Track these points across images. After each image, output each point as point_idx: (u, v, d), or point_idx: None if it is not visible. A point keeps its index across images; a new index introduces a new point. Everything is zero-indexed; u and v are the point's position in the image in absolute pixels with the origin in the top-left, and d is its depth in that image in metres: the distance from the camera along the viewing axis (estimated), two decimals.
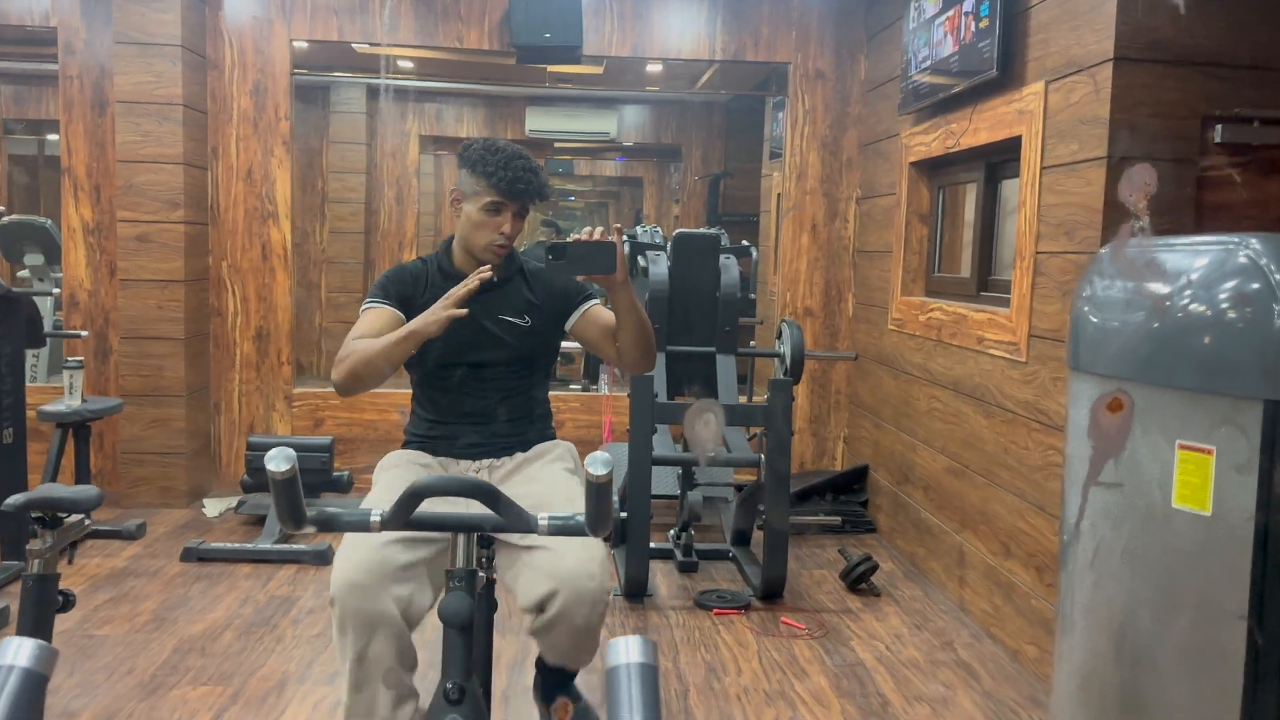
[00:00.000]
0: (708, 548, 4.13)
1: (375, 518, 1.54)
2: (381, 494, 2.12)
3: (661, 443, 3.75)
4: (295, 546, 3.93)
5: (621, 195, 9.98)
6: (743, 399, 4.32)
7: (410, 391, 2.42)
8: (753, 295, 6.09)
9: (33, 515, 1.95)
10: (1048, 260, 3.02)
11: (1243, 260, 1.74)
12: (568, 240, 2.08)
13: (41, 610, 1.92)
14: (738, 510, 4.15)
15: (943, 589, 3.79)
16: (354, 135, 7.52)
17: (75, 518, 2.00)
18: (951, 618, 3.55)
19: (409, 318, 2.23)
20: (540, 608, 2.05)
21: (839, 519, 4.58)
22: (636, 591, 3.61)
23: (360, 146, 7.53)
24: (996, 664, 3.17)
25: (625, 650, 1.35)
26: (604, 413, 4.91)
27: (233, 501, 4.56)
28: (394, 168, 7.66)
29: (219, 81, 4.75)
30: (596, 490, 1.47)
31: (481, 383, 2.30)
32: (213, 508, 4.57)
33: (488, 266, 2.10)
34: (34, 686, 1.34)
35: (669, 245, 4.10)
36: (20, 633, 1.86)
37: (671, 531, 4.17)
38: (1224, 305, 1.76)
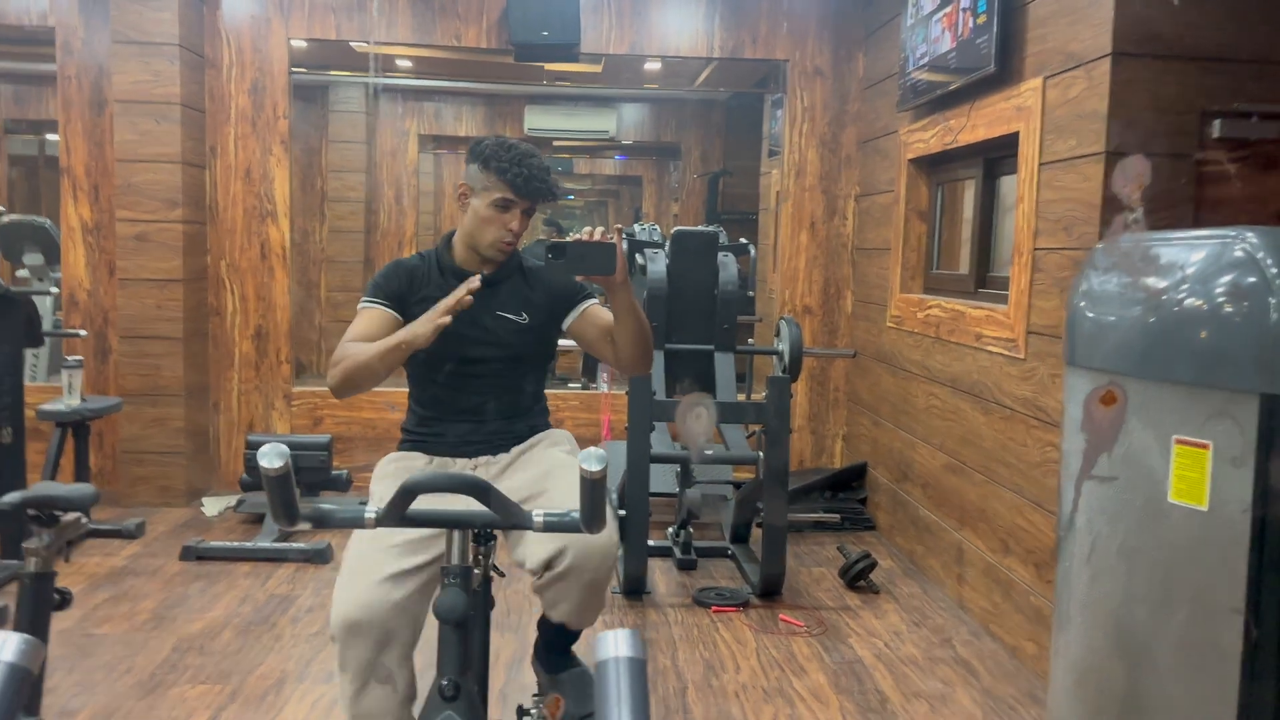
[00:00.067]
0: (706, 545, 4.13)
1: (370, 515, 1.54)
2: (378, 505, 2.12)
3: (660, 440, 3.75)
4: (294, 545, 3.93)
5: (621, 194, 9.97)
6: (741, 397, 4.32)
7: (406, 389, 2.42)
8: (751, 293, 6.09)
9: (29, 514, 1.95)
10: (1046, 256, 3.02)
11: (1239, 254, 1.74)
12: (568, 240, 2.08)
13: (38, 609, 1.92)
14: (736, 508, 4.15)
15: (941, 586, 3.79)
16: (353, 134, 7.51)
17: (72, 516, 1.99)
18: (950, 615, 3.55)
19: (404, 315, 2.24)
20: (549, 564, 2.06)
21: (838, 516, 4.58)
22: (635, 589, 3.61)
23: (360, 145, 7.53)
24: (995, 661, 3.16)
25: (614, 644, 1.35)
26: (602, 411, 4.91)
27: (232, 500, 4.56)
28: (393, 166, 7.66)
29: (217, 80, 4.75)
30: (591, 486, 1.46)
31: (477, 379, 2.30)
32: (212, 506, 4.57)
33: (478, 276, 2.10)
34: (18, 681, 1.34)
35: (667, 243, 4.10)
36: (17, 631, 1.86)
37: (670, 529, 4.17)
38: (1220, 299, 1.76)
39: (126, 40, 4.45)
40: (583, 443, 2.07)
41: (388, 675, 2.03)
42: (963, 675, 3.06)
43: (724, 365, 4.08)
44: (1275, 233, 1.74)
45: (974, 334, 3.50)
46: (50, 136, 6.26)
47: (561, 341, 2.44)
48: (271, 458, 1.38)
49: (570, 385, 6.63)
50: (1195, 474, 1.76)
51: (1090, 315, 2.07)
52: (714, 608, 3.53)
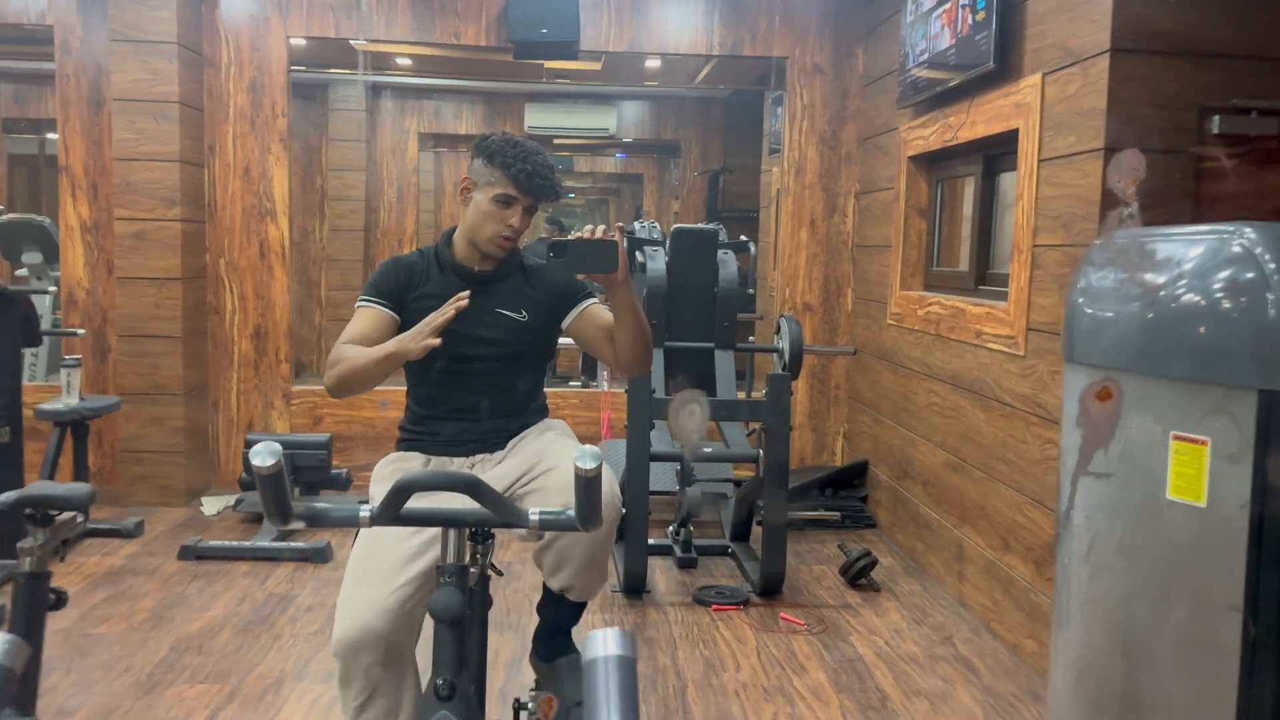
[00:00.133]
0: (706, 543, 4.12)
1: (364, 513, 1.53)
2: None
3: (660, 439, 3.74)
4: (293, 544, 3.92)
5: (621, 191, 9.97)
6: (742, 394, 4.31)
7: (403, 387, 2.41)
8: (752, 290, 6.08)
9: (25, 513, 1.95)
10: (1045, 253, 3.01)
11: (1236, 249, 1.73)
12: (569, 238, 2.07)
13: (33, 609, 1.91)
14: (736, 506, 4.14)
15: (942, 584, 3.78)
16: (353, 132, 7.51)
17: (67, 515, 1.99)
18: (951, 612, 3.54)
19: (402, 313, 2.24)
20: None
21: (838, 514, 4.58)
22: (635, 587, 3.61)
23: (360, 144, 7.53)
24: (996, 658, 3.16)
25: (603, 643, 1.35)
26: (602, 409, 4.90)
27: (231, 499, 4.56)
28: (393, 165, 7.65)
29: (215, 79, 4.75)
30: (586, 484, 1.46)
31: (475, 377, 2.29)
32: (211, 506, 4.57)
33: (466, 293, 2.10)
34: (0, 680, 1.33)
35: (667, 241, 4.10)
36: (12, 631, 1.85)
37: (670, 528, 4.17)
38: (1218, 295, 1.75)
39: (125, 39, 4.45)
40: (582, 441, 2.07)
41: (392, 687, 2.03)
42: (963, 673, 3.06)
43: (724, 363, 4.08)
44: (1273, 228, 1.73)
45: (974, 331, 3.49)
46: (51, 136, 6.27)
47: (562, 340, 2.43)
48: (264, 456, 1.37)
49: (570, 383, 6.63)
50: (1193, 470, 1.75)
51: (1088, 311, 2.06)
52: (714, 606, 3.52)
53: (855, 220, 4.98)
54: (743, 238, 5.59)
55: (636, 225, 5.05)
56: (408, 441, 2.35)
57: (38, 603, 1.92)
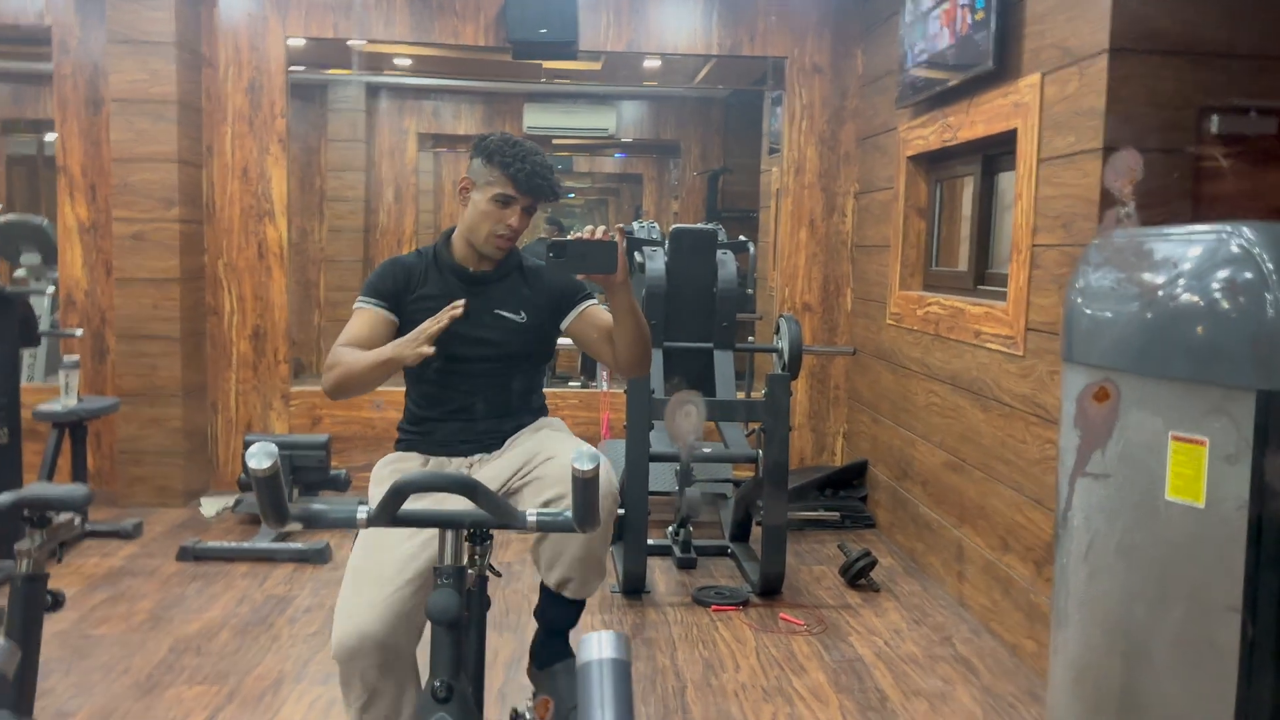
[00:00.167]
0: (706, 544, 4.12)
1: (361, 515, 1.53)
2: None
3: (659, 439, 3.74)
4: (292, 545, 3.92)
5: (621, 191, 9.97)
6: (741, 395, 4.31)
7: (402, 387, 2.41)
8: (751, 290, 6.08)
9: (22, 514, 1.94)
10: (1044, 253, 3.00)
11: (1235, 249, 1.73)
12: (569, 238, 2.07)
13: (30, 611, 1.91)
14: (736, 506, 4.14)
15: (942, 584, 3.78)
16: (352, 133, 7.51)
17: (65, 517, 1.98)
18: (950, 613, 3.54)
19: (400, 314, 2.24)
20: None
21: (838, 514, 4.57)
22: (634, 588, 3.60)
23: (359, 144, 7.52)
24: (995, 659, 3.16)
25: (598, 646, 1.34)
26: (602, 409, 4.90)
27: (229, 500, 4.55)
28: (392, 165, 7.65)
29: (214, 79, 4.74)
30: (583, 485, 1.45)
31: (473, 377, 2.29)
32: (209, 507, 4.57)
33: (461, 302, 2.09)
34: None
35: (666, 241, 4.09)
36: (9, 633, 1.85)
37: (670, 528, 4.16)
38: (1216, 294, 1.74)
39: (123, 39, 4.44)
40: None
41: (391, 691, 2.03)
42: (963, 673, 3.05)
43: (723, 363, 4.08)
44: (1272, 228, 1.73)
45: (973, 331, 3.49)
46: (48, 136, 6.27)
47: (561, 340, 2.43)
48: (259, 458, 1.37)
49: (570, 384, 6.63)
50: (1192, 470, 1.74)
51: (1087, 311, 2.06)
52: (713, 606, 3.52)
53: (854, 220, 4.98)
54: (742, 238, 5.58)
55: (636, 225, 5.04)
56: (406, 442, 2.35)
57: (35, 605, 1.91)
